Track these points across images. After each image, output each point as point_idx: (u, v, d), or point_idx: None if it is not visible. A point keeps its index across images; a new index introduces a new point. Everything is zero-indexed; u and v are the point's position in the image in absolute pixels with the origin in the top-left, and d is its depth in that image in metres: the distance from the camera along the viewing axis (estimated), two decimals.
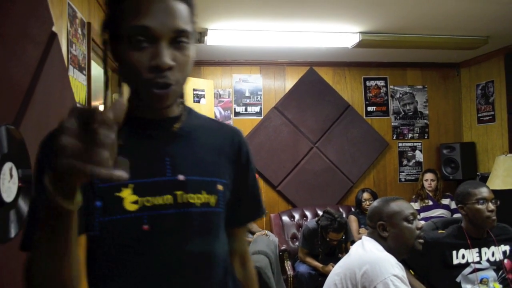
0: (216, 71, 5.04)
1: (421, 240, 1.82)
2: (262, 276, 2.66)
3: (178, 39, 0.83)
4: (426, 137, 5.47)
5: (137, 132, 0.90)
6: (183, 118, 0.95)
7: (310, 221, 4.17)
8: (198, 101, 4.24)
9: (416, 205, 4.80)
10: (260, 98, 5.11)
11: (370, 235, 1.89)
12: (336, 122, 5.19)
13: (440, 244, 2.21)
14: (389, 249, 1.79)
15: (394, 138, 5.40)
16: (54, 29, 1.82)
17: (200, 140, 0.97)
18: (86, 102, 2.49)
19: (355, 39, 4.06)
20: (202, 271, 0.91)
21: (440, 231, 2.37)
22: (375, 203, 1.95)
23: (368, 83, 5.37)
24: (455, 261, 2.19)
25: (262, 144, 4.99)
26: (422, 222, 1.92)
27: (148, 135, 0.91)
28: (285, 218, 4.83)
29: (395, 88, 5.43)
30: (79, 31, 2.42)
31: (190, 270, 0.89)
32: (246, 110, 5.08)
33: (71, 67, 2.24)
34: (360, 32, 4.01)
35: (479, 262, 2.19)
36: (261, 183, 5.01)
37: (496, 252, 2.22)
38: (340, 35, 4.01)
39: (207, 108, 4.23)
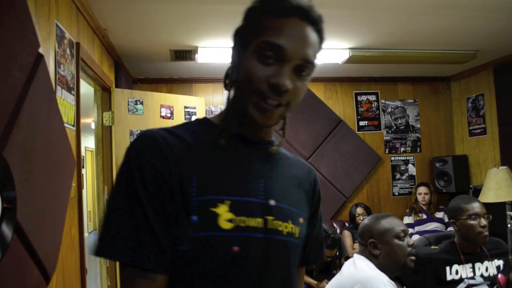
0: (208, 88, 5.04)
1: (413, 258, 1.80)
2: None
3: (302, 67, 0.84)
4: (418, 150, 5.48)
5: (236, 147, 0.89)
6: (275, 144, 0.96)
7: None
8: (190, 118, 4.24)
9: (410, 219, 4.78)
10: None
11: (362, 253, 1.88)
12: (328, 137, 5.19)
13: (433, 260, 2.20)
14: (380, 267, 1.77)
15: (387, 152, 5.40)
16: (40, 50, 1.81)
17: (286, 169, 0.96)
18: (75, 122, 2.47)
19: (345, 55, 4.08)
20: None
21: (433, 247, 2.35)
22: (366, 220, 1.94)
23: (359, 98, 5.40)
24: (449, 277, 2.17)
25: None
26: (415, 238, 1.91)
27: (246, 152, 0.90)
28: None
29: (387, 102, 5.45)
30: (68, 51, 2.41)
31: None
32: None
33: (59, 88, 2.22)
34: (350, 48, 4.04)
35: (473, 278, 2.17)
36: None
37: (489, 267, 2.21)
38: (330, 51, 4.04)
39: None
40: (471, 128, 5.26)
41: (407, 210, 4.95)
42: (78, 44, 2.59)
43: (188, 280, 0.79)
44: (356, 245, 4.44)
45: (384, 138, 5.41)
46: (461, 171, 5.12)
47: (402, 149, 5.44)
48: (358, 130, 5.34)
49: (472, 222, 2.15)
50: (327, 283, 3.67)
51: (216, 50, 3.89)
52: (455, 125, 5.55)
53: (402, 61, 4.45)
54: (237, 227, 0.81)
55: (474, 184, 5.05)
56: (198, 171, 0.82)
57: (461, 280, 2.16)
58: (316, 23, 0.88)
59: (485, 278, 2.18)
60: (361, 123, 5.37)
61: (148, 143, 0.82)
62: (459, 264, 2.19)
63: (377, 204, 5.29)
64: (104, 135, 3.82)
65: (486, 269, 2.20)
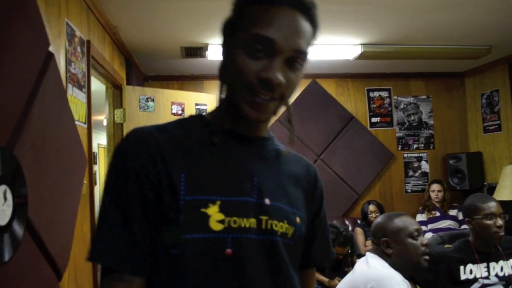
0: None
1: (427, 257, 1.77)
2: None
3: (295, 58, 0.81)
4: (431, 147, 5.42)
5: (229, 145, 0.86)
6: (271, 140, 0.94)
7: None
8: None
9: (423, 217, 4.73)
10: None
11: (374, 251, 1.85)
12: (340, 134, 5.15)
13: (447, 259, 2.16)
14: (394, 266, 1.75)
15: (399, 149, 5.35)
16: (51, 49, 1.82)
17: (282, 167, 0.92)
18: (86, 119, 2.48)
19: (357, 51, 4.04)
20: None
21: (446, 246, 2.32)
22: (379, 219, 1.91)
23: (371, 94, 5.34)
24: (463, 277, 2.13)
25: None
26: (427, 236, 1.88)
27: (240, 150, 0.86)
28: None
29: (399, 98, 5.39)
30: (78, 49, 2.42)
31: None
32: None
33: (70, 86, 2.23)
34: (362, 44, 3.99)
35: (487, 277, 2.13)
36: None
37: (505, 266, 2.17)
38: (342, 47, 4.00)
39: None
40: (485, 124, 5.18)
41: (420, 208, 4.90)
42: (88, 42, 2.59)
43: (180, 283, 0.76)
44: (369, 243, 4.40)
45: (397, 134, 5.36)
46: (475, 168, 5.05)
47: (415, 146, 5.38)
48: (370, 127, 5.29)
49: (488, 222, 2.11)
50: (339, 281, 3.65)
51: None
52: (469, 121, 5.47)
53: (415, 57, 4.39)
54: (229, 228, 0.78)
55: (488, 182, 4.97)
56: (188, 170, 0.79)
57: (475, 279, 2.13)
58: (308, 10, 0.83)
59: (500, 278, 2.14)
60: (373, 119, 5.32)
61: (134, 144, 0.80)
62: (473, 263, 2.15)
63: (389, 201, 5.25)
64: (116, 132, 3.83)
65: (501, 269, 2.16)
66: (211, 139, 0.84)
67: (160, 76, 4.95)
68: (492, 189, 4.46)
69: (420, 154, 5.38)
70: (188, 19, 3.25)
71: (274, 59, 0.78)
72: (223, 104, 0.88)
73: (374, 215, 4.55)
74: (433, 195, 4.80)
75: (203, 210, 0.77)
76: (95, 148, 8.94)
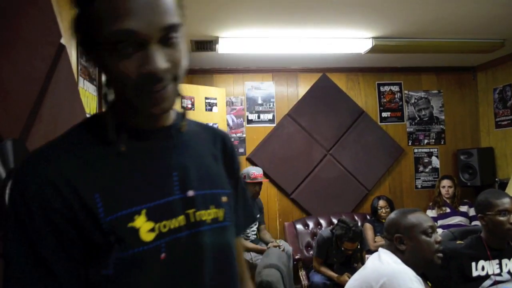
0: (228, 79, 5.02)
1: (440, 255, 1.75)
2: None
3: (168, 36, 0.71)
4: (442, 142, 5.37)
5: (134, 145, 0.78)
6: (178, 126, 0.85)
7: (324, 230, 4.10)
8: (210, 109, 4.23)
9: (433, 213, 4.69)
10: (273, 105, 5.08)
11: (387, 247, 1.83)
12: (350, 128, 5.12)
13: (458, 255, 2.14)
14: (406, 263, 1.73)
15: (410, 144, 5.31)
16: (62, 41, 1.82)
17: (198, 148, 0.87)
18: (97, 112, 2.49)
19: (368, 44, 4.01)
20: None
21: (458, 242, 2.29)
22: (393, 214, 1.89)
23: (382, 89, 5.30)
24: (475, 273, 2.11)
25: (275, 151, 4.95)
26: (439, 231, 1.86)
27: (148, 147, 0.79)
28: (299, 226, 4.77)
29: (410, 93, 5.34)
30: None
31: None
32: (258, 117, 5.05)
33: (81, 79, 2.23)
34: (373, 38, 3.96)
35: (499, 274, 2.11)
36: (275, 191, 4.97)
37: None
38: (352, 40, 3.97)
39: (219, 116, 4.21)
40: (497, 119, 5.12)
41: (430, 204, 4.86)
42: None
43: None
44: (378, 238, 4.38)
45: (407, 129, 5.31)
46: (486, 164, 4.99)
47: (426, 141, 5.33)
48: (380, 122, 5.26)
49: (501, 218, 2.08)
50: (348, 276, 3.66)
51: (237, 40, 3.86)
52: (480, 116, 5.41)
53: (427, 51, 4.34)
54: (160, 234, 0.74)
55: (500, 178, 4.92)
56: (100, 188, 0.72)
57: (487, 276, 2.10)
58: None
59: None
60: (384, 114, 5.28)
61: (30, 178, 0.70)
62: (485, 260, 2.12)
63: (399, 197, 5.21)
64: None
65: None
66: (116, 146, 0.75)
67: None
68: (503, 185, 4.42)
69: (431, 150, 5.33)
70: (199, 12, 3.24)
71: (147, 48, 0.69)
72: (114, 106, 0.79)
73: (384, 211, 4.52)
74: (443, 191, 4.76)
75: (130, 225, 0.72)
76: None
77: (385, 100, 5.29)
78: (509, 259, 2.14)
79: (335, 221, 4.54)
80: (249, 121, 5.03)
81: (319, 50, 4.15)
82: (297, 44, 3.98)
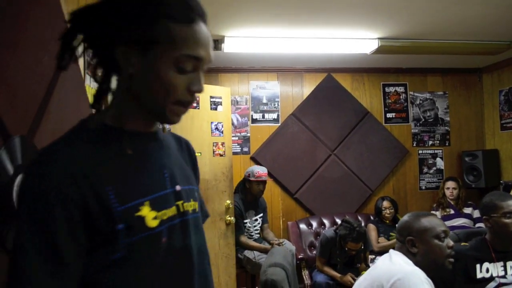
0: (233, 78, 5.03)
1: (451, 260, 1.74)
2: None
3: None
4: (447, 144, 5.35)
5: (136, 146, 0.93)
6: (160, 131, 1.02)
7: (328, 230, 4.10)
8: (215, 108, 4.23)
9: (437, 214, 4.68)
10: (278, 105, 5.08)
11: (399, 249, 1.82)
12: (354, 129, 5.12)
13: (463, 257, 2.14)
14: (417, 265, 1.72)
15: (414, 145, 5.30)
16: None
17: (174, 152, 1.04)
18: None
19: (374, 45, 4.00)
20: (205, 284, 0.99)
21: (462, 243, 2.29)
22: (406, 217, 1.88)
23: (387, 89, 5.29)
24: (479, 275, 2.11)
25: (279, 151, 4.95)
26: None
27: (144, 148, 0.94)
28: (302, 226, 4.77)
29: (415, 94, 5.33)
30: None
31: (199, 279, 0.96)
32: (263, 117, 5.05)
33: (87, 76, 2.24)
34: (379, 38, 3.95)
35: (504, 277, 2.11)
36: (279, 191, 4.97)
37: None
38: (358, 41, 3.96)
39: (224, 115, 4.21)
40: (503, 121, 5.10)
41: (434, 205, 4.85)
42: None
43: (130, 277, 0.84)
44: (381, 239, 4.38)
45: (412, 130, 5.30)
46: (491, 166, 4.98)
47: (430, 142, 5.32)
48: (385, 122, 5.25)
49: (506, 220, 2.08)
50: (351, 276, 3.66)
51: (243, 40, 3.86)
52: (486, 118, 5.39)
53: (432, 52, 4.33)
54: (162, 221, 0.88)
55: (505, 180, 4.90)
56: (113, 181, 0.84)
57: (491, 278, 2.10)
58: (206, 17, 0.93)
59: None
60: (389, 115, 5.28)
61: (51, 170, 0.79)
62: (490, 262, 2.12)
63: (403, 198, 5.21)
64: None
65: None
66: (123, 146, 0.90)
67: None
68: (508, 187, 4.41)
69: (435, 151, 5.32)
70: (205, 11, 3.24)
71: (200, 72, 0.89)
72: (123, 106, 0.93)
73: (388, 212, 4.51)
74: (447, 192, 4.75)
75: (137, 214, 0.85)
76: None
77: (390, 101, 5.29)
78: None
79: (338, 221, 4.54)
80: (254, 120, 5.03)
81: (324, 50, 4.15)
82: (302, 44, 3.98)
